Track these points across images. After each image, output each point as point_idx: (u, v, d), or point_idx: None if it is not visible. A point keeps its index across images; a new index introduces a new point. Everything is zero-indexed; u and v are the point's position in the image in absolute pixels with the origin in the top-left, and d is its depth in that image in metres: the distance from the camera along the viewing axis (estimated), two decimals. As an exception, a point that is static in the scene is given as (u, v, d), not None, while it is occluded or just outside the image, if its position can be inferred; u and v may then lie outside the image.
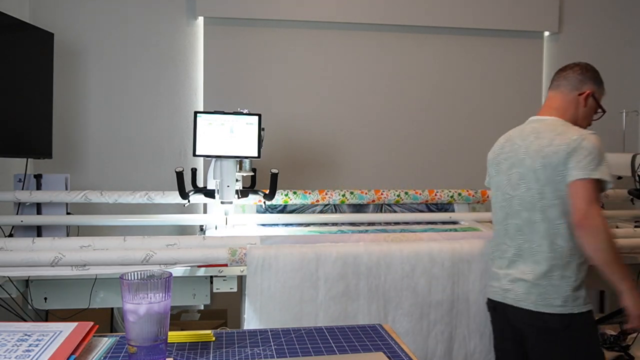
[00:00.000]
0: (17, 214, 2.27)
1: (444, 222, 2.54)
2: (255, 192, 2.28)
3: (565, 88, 1.73)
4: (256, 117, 2.15)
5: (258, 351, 0.99)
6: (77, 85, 2.94)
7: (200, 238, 1.98)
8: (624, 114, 2.82)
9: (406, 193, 2.56)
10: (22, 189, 2.30)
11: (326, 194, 2.49)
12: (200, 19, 3.03)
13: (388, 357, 0.97)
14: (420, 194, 2.56)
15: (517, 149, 1.70)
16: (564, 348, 1.59)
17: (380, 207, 2.59)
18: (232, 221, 2.30)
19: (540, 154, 1.61)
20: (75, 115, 2.94)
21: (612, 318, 2.50)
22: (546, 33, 3.36)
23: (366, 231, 2.33)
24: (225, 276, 1.90)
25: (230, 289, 1.92)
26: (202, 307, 2.94)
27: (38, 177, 2.33)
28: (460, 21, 3.22)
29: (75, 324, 1.01)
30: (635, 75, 3.54)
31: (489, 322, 1.85)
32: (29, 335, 0.96)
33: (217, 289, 1.91)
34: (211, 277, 1.91)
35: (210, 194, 2.20)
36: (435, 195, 2.57)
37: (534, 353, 1.65)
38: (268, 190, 2.24)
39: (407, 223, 2.50)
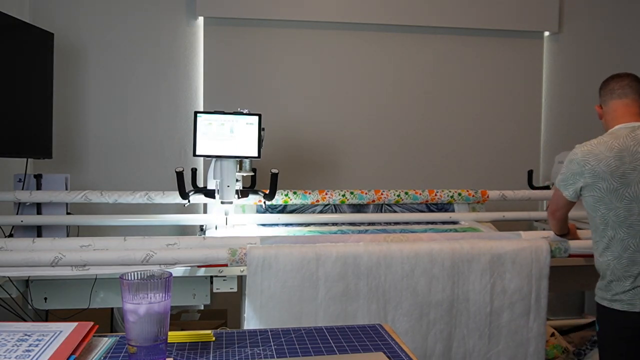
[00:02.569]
0: (17, 214, 2.27)
1: (444, 222, 2.54)
2: (255, 192, 2.28)
3: (635, 95, 1.79)
4: (256, 117, 2.15)
5: (258, 351, 0.99)
6: (77, 85, 2.94)
7: (200, 238, 1.98)
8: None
9: (406, 193, 2.56)
10: (22, 189, 2.30)
11: (326, 194, 2.49)
12: (200, 19, 3.03)
13: (388, 357, 0.97)
14: (420, 194, 2.56)
15: None
16: None
17: (380, 207, 2.59)
18: (232, 221, 2.30)
19: None
20: (75, 115, 2.94)
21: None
22: (546, 33, 3.36)
23: (366, 231, 2.33)
24: (225, 276, 1.90)
25: (230, 289, 1.92)
26: (202, 307, 2.94)
27: (38, 177, 2.34)
28: (460, 21, 3.22)
29: (75, 324, 1.01)
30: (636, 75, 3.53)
31: (489, 322, 1.85)
32: (29, 335, 0.96)
33: (217, 289, 1.91)
34: (211, 277, 1.91)
35: (210, 194, 2.20)
36: (435, 195, 2.57)
37: None
38: (268, 190, 2.24)
39: (407, 223, 2.50)
